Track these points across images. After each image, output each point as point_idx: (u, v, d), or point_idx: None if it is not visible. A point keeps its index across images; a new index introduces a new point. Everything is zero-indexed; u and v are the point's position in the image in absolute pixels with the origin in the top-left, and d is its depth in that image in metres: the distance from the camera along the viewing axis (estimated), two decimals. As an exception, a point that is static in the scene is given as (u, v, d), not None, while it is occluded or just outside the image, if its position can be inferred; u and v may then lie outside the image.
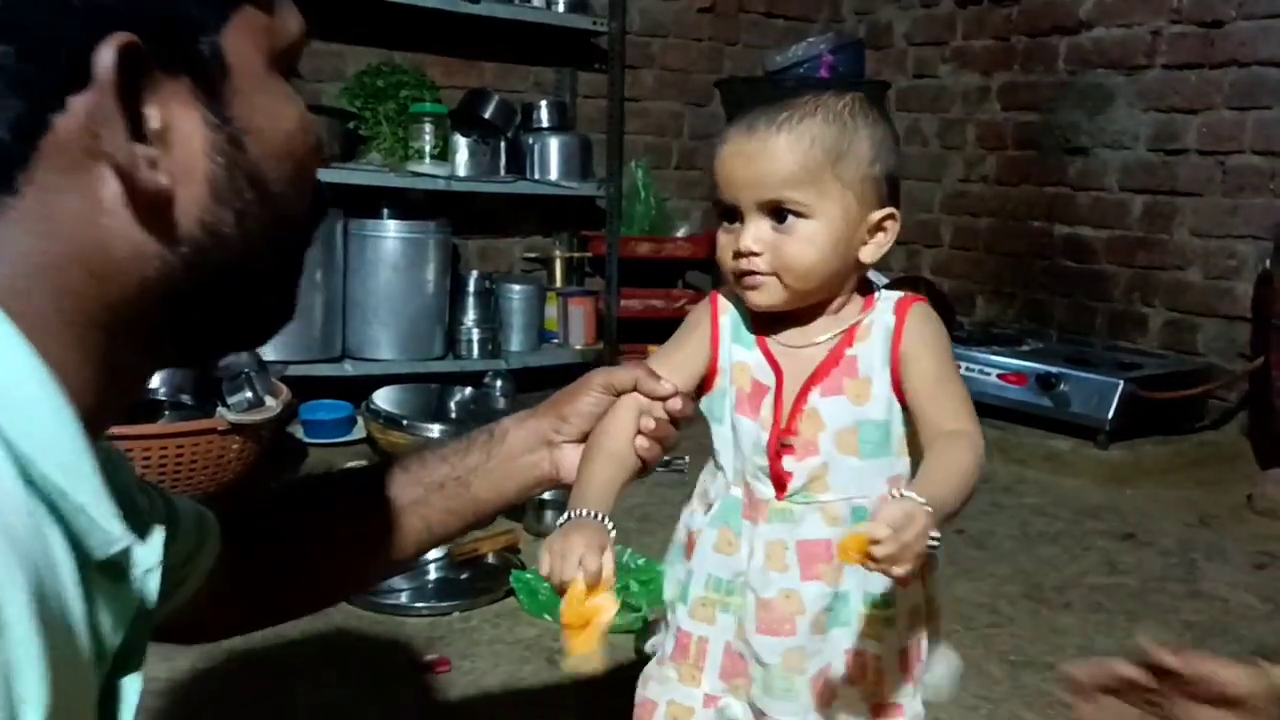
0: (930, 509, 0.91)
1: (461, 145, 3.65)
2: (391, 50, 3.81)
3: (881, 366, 1.09)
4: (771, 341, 1.12)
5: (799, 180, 1.05)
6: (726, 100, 4.58)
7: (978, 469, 1.03)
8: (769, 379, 1.11)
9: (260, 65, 0.64)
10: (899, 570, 0.89)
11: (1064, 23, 3.91)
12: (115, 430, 2.44)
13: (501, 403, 3.45)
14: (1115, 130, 3.78)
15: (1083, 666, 0.98)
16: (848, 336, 1.10)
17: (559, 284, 4.15)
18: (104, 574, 0.57)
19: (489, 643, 2.03)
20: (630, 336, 4.13)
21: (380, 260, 3.53)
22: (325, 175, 3.06)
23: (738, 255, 1.08)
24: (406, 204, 3.65)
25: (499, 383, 3.52)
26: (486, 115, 3.79)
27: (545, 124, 3.99)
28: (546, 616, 2.09)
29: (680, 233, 4.35)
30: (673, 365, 1.15)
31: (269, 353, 3.13)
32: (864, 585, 1.09)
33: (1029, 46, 4.05)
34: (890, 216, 1.09)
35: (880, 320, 1.10)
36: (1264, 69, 3.40)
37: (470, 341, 3.75)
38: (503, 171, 3.78)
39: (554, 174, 3.89)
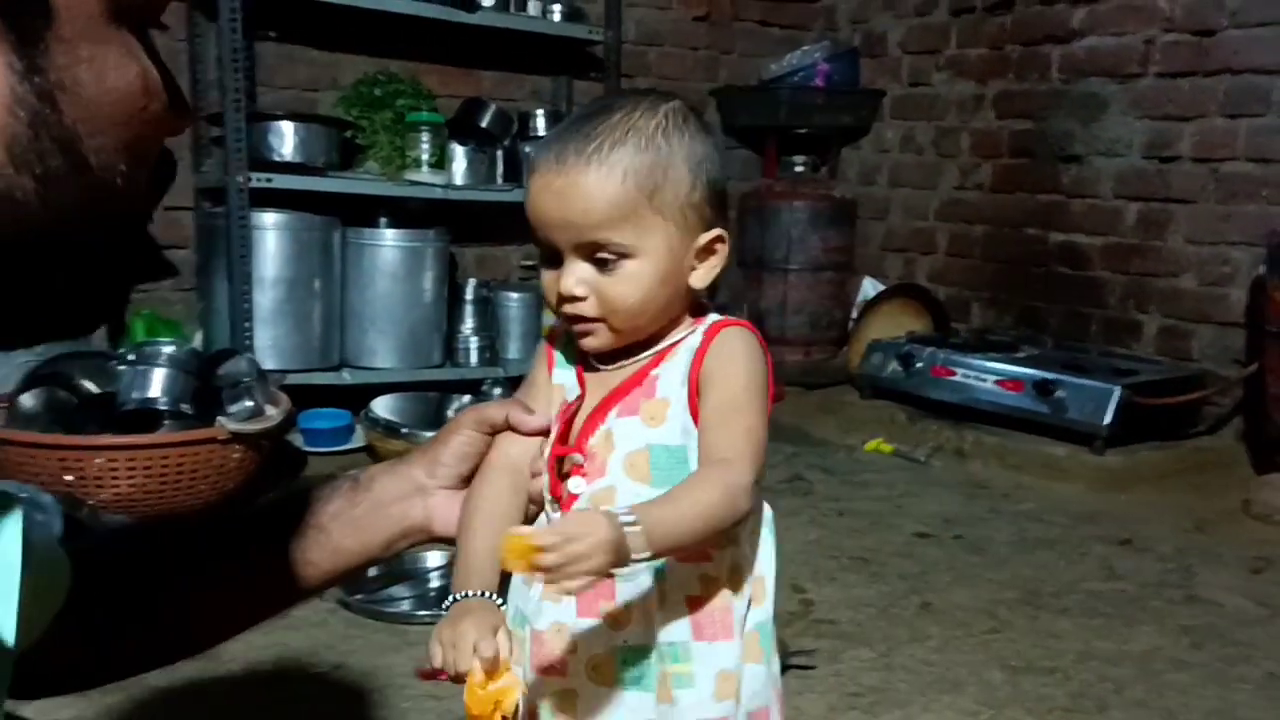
0: (635, 527, 0.83)
1: (459, 154, 3.66)
2: (388, 59, 3.82)
3: (679, 387, 1.00)
4: (589, 363, 1.05)
5: (614, 221, 0.95)
6: (723, 108, 4.61)
7: (724, 507, 0.91)
8: (570, 396, 1.04)
9: (98, 13, 0.55)
10: (567, 585, 0.81)
11: (1057, 32, 3.94)
12: (114, 440, 2.45)
13: (499, 411, 3.45)
14: (1109, 138, 3.81)
15: None
16: (657, 357, 1.02)
17: (556, 292, 4.15)
18: None
19: (491, 651, 2.03)
20: (627, 344, 4.13)
21: (378, 269, 3.53)
22: (323, 185, 3.07)
23: (561, 299, 0.99)
24: (404, 213, 3.65)
25: (497, 390, 3.52)
26: (484, 124, 3.80)
27: (542, 132, 3.99)
28: (548, 624, 2.10)
29: (677, 241, 4.35)
30: (530, 401, 1.07)
31: (266, 361, 3.14)
32: (650, 633, 0.97)
33: (1023, 55, 4.07)
34: (719, 239, 1.00)
35: (689, 340, 1.01)
36: (1256, 77, 3.42)
37: (468, 349, 3.76)
38: (500, 180, 3.79)
39: (551, 182, 3.89)
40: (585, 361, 1.05)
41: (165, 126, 0.61)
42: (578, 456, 0.99)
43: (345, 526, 0.99)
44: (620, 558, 0.82)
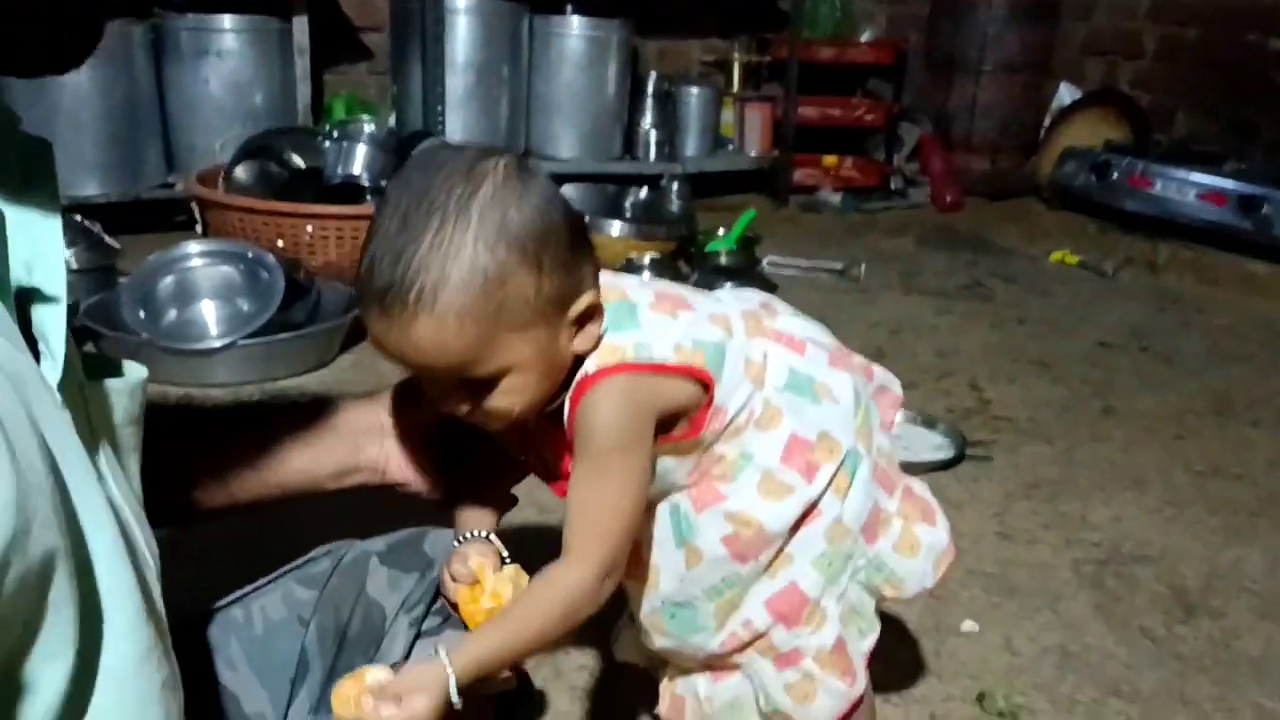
0: (453, 677, 0.82)
1: (646, -60, 3.58)
2: None
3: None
4: None
5: (467, 362, 0.84)
6: (921, -105, 4.33)
7: (559, 618, 0.88)
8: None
9: None
10: None
11: None
12: (323, 210, 2.58)
13: (677, 205, 3.48)
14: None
15: None
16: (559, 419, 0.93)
17: (736, 89, 4.09)
18: None
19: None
20: (806, 145, 4.07)
21: (564, 58, 3.54)
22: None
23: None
24: (589, 1, 3.62)
25: (675, 185, 3.54)
26: (673, -91, 3.69)
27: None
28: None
29: (864, 36, 4.19)
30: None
31: (454, 139, 3.22)
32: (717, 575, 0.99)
33: None
34: (590, 307, 0.87)
35: (563, 405, 0.91)
36: None
37: (648, 143, 3.77)
38: (687, -32, 3.71)
39: (738, -29, 3.79)
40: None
41: None
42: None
43: (297, 441, 0.94)
44: (448, 701, 0.81)
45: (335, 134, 2.84)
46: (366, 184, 2.80)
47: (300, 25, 3.25)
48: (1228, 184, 3.30)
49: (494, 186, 0.82)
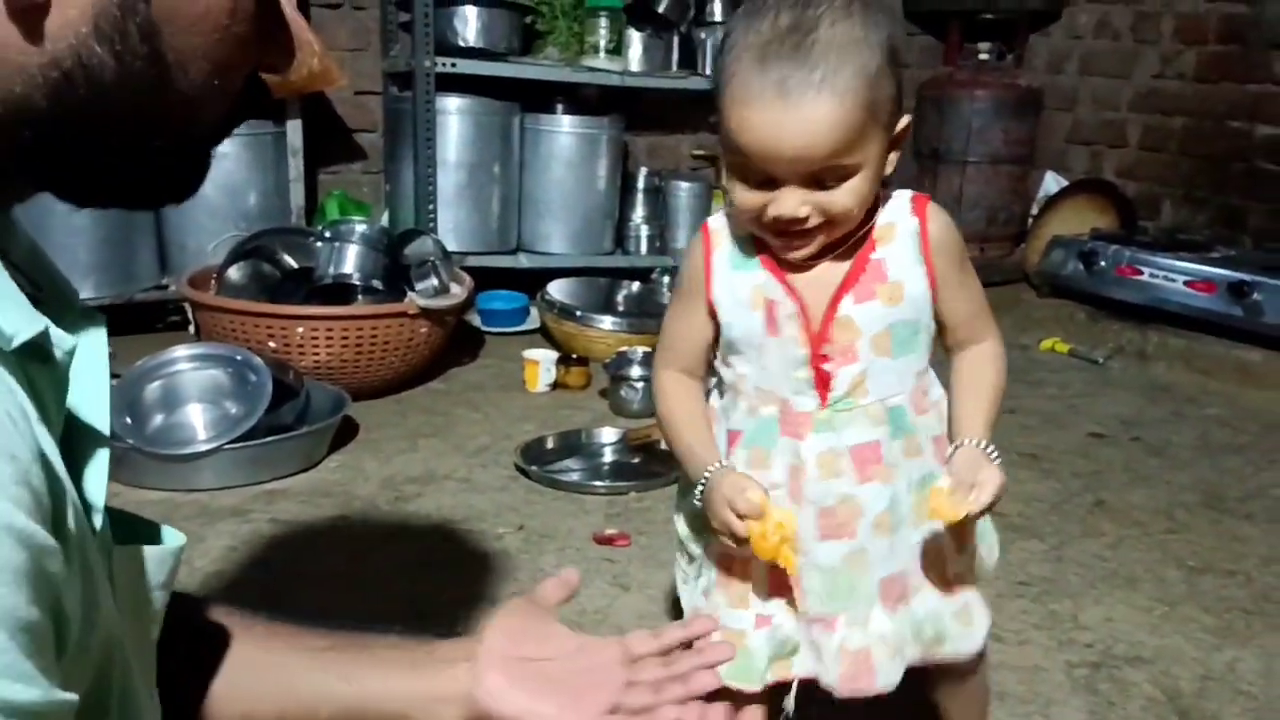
0: (990, 448, 1.08)
1: (635, 40, 3.65)
2: (567, -56, 3.82)
3: (913, 266, 1.08)
4: (779, 263, 1.09)
5: (845, 147, 0.97)
6: (905, -7, 4.44)
7: (1004, 378, 1.15)
8: (781, 295, 1.09)
9: None
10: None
11: (1280, -96, 3.63)
12: (314, 311, 2.60)
13: (668, 297, 3.50)
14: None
15: None
16: (869, 244, 1.08)
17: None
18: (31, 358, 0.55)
19: (664, 522, 2.11)
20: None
21: (554, 155, 3.59)
22: (504, 70, 3.12)
23: (778, 221, 1.02)
24: (580, 100, 3.69)
25: (666, 278, 3.56)
26: (661, 9, 3.77)
27: (718, 18, 3.94)
28: (719, 500, 2.16)
29: (851, 131, 4.26)
30: (693, 336, 1.15)
31: (447, 242, 3.25)
32: (908, 476, 1.14)
33: (1239, -69, 3.77)
34: (906, 128, 1.05)
35: (901, 222, 1.08)
36: None
37: (639, 237, 3.81)
38: (675, 67, 3.78)
39: (726, 69, 3.86)
40: (773, 263, 1.09)
41: (251, 55, 0.61)
42: (826, 347, 1.09)
43: (379, 662, 0.84)
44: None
45: (327, 234, 2.87)
46: (358, 283, 2.82)
47: (294, 128, 3.31)
48: (1216, 271, 3.31)
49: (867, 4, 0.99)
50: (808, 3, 0.97)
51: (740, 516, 1.05)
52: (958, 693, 1.28)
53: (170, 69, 0.57)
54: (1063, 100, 4.39)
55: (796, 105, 0.95)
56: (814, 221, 1.01)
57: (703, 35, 3.86)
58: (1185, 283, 3.35)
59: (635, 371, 2.70)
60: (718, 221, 1.14)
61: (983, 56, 4.28)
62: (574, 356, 2.93)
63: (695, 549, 1.23)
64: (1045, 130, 4.37)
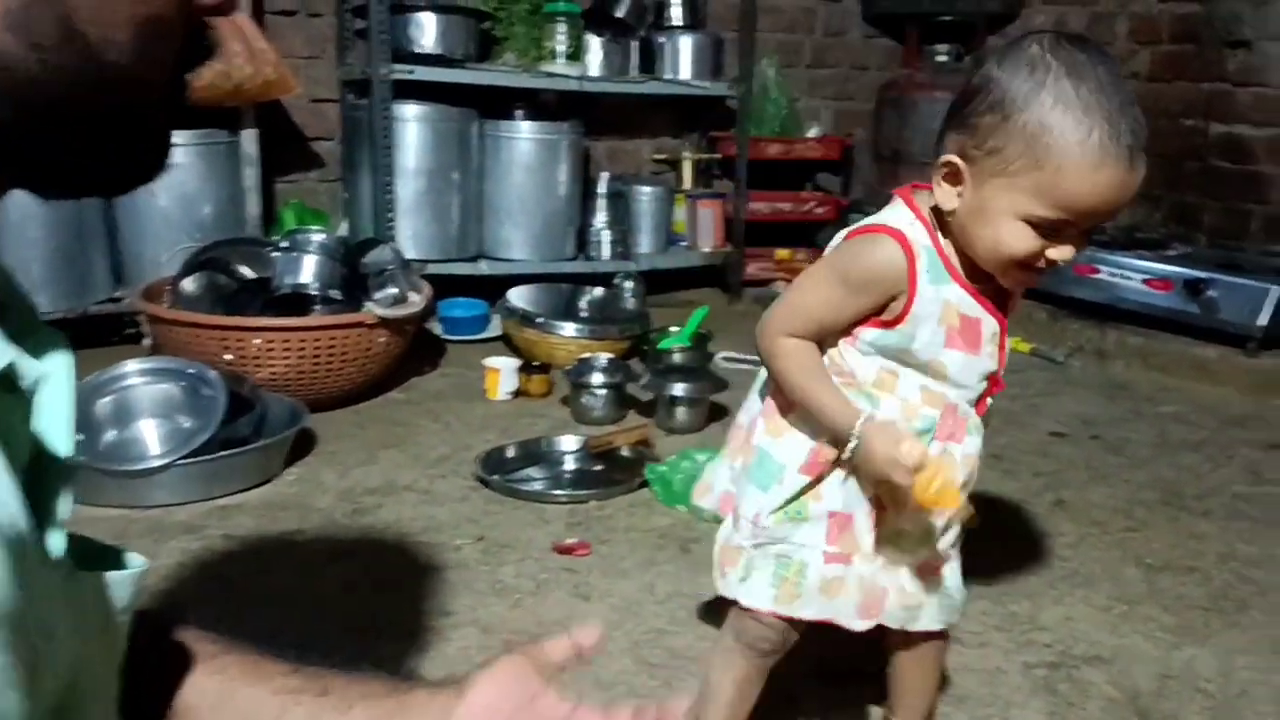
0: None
1: (594, 45, 3.64)
2: (524, -51, 3.80)
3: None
4: (969, 283, 1.17)
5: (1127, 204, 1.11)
6: (862, -5, 4.46)
7: None
8: (980, 313, 1.17)
9: None
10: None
11: (1229, -95, 3.67)
12: (270, 322, 2.57)
13: (631, 303, 3.49)
14: None
15: None
16: None
17: (688, 186, 4.14)
18: None
19: (625, 530, 2.10)
20: (759, 240, 4.11)
21: (514, 161, 3.58)
22: (462, 76, 3.11)
23: (1041, 261, 1.10)
24: (539, 105, 3.67)
25: (629, 284, 3.56)
26: (619, 14, 3.77)
27: (677, 22, 3.94)
28: (679, 507, 2.15)
29: (810, 133, 4.28)
30: (840, 319, 1.20)
31: (407, 251, 3.23)
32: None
33: (1189, -67, 3.82)
34: None
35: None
36: None
37: (601, 243, 3.79)
38: (634, 71, 3.77)
39: (685, 73, 3.86)
40: (966, 283, 1.17)
41: (182, 5, 0.58)
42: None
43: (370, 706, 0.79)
44: None
45: (284, 243, 2.84)
46: (315, 293, 2.79)
47: (249, 137, 3.28)
48: (1173, 269, 3.35)
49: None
50: (1104, 54, 1.07)
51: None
52: (923, 660, 1.39)
53: (94, 45, 0.54)
54: (1020, 101, 4.41)
55: (1139, 167, 1.04)
56: (1065, 265, 1.12)
57: (661, 40, 3.86)
58: (1143, 281, 3.38)
59: (597, 379, 2.69)
60: (913, 231, 1.16)
61: (941, 58, 4.31)
62: (535, 364, 2.92)
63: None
64: (1004, 131, 4.39)
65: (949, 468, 1.15)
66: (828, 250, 1.24)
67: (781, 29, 4.39)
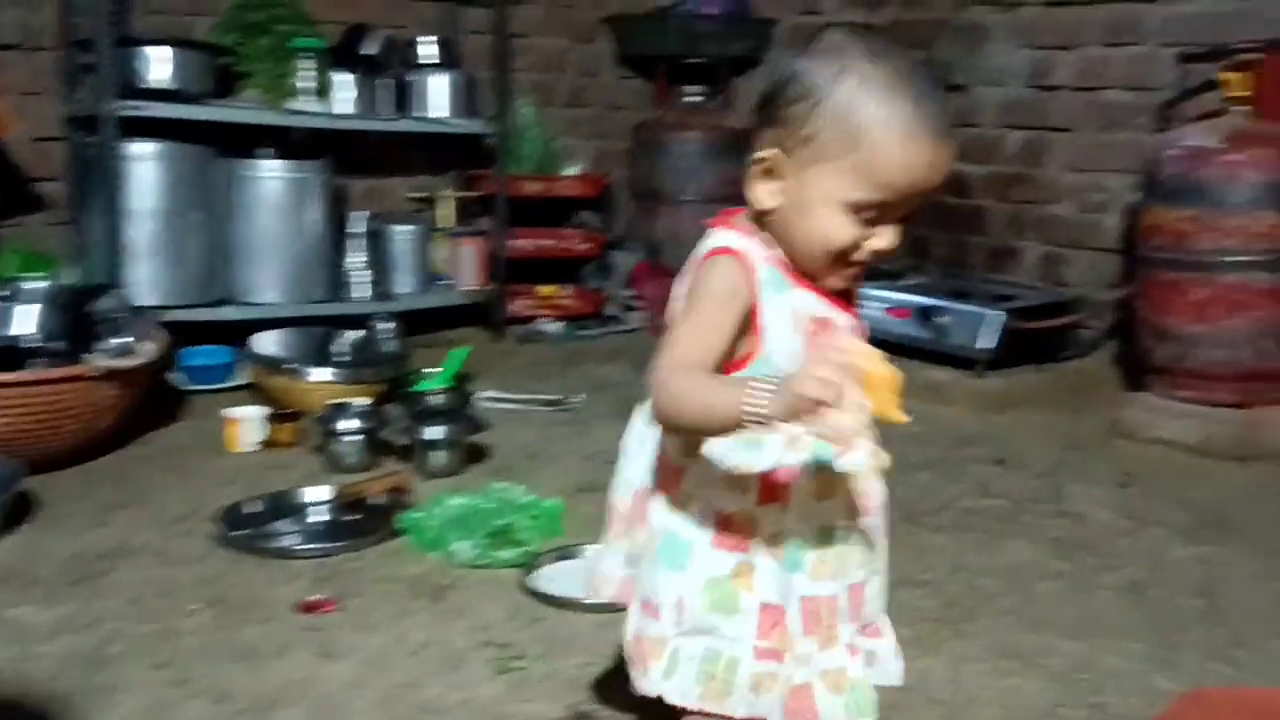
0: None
1: (342, 82, 3.57)
2: (267, -17, 3.69)
3: None
4: (813, 285, 1.13)
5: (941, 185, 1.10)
6: (614, 36, 4.56)
7: None
8: (830, 312, 1.14)
9: None
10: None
11: (944, -39, 3.97)
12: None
13: (390, 345, 3.41)
14: (992, 67, 3.87)
15: None
16: None
17: (447, 224, 4.10)
18: None
19: (376, 581, 2.03)
20: (521, 277, 4.11)
21: (261, 201, 3.44)
22: (199, 113, 3.00)
23: (861, 253, 1.09)
24: (288, 143, 3.56)
25: (386, 325, 3.47)
26: (368, 52, 3.71)
27: (429, 60, 3.91)
28: (433, 554, 2.11)
29: (569, 171, 4.32)
30: (719, 341, 1.10)
31: (145, 296, 3.05)
32: None
33: (911, -16, 4.11)
34: None
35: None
36: (1134, 5, 3.50)
37: (356, 283, 3.69)
38: (386, 109, 3.71)
39: (439, 112, 3.84)
40: (810, 285, 1.13)
41: None
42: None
43: None
44: None
45: (3, 292, 2.62)
46: (39, 344, 2.57)
47: (-42, 177, 3.02)
48: (909, 298, 3.55)
49: None
50: (901, 49, 1.08)
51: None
52: None
53: None
54: (768, 140, 4.60)
55: (946, 144, 1.05)
56: (893, 252, 1.11)
57: (414, 78, 3.82)
58: (885, 310, 3.57)
59: (349, 425, 2.60)
60: (742, 244, 1.12)
61: (691, 99, 4.45)
62: (285, 412, 2.80)
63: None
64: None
65: (890, 376, 1.03)
66: (679, 294, 1.15)
67: (536, 69, 4.42)
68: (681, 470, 1.17)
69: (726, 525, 1.15)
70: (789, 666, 1.16)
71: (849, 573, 1.18)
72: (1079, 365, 3.59)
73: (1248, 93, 2.94)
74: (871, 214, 1.07)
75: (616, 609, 1.93)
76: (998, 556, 2.25)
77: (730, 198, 4.20)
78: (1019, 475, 2.74)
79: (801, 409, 0.96)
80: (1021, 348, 3.38)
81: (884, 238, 1.09)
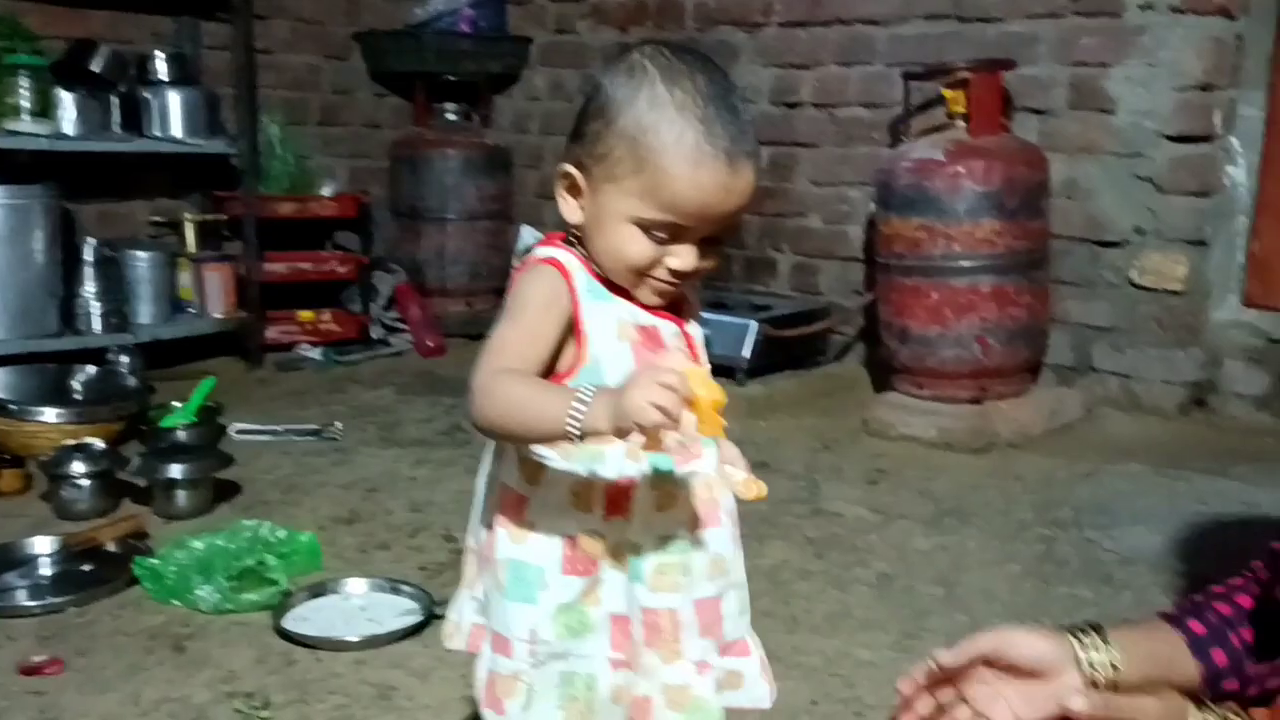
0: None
1: (66, 101, 3.33)
2: (-22, -5, 3.41)
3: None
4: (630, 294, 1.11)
5: (744, 209, 1.08)
6: (366, 53, 4.46)
7: None
8: (654, 321, 1.12)
9: None
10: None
11: (691, -19, 4.09)
12: None
13: (130, 380, 3.20)
14: (740, 85, 3.99)
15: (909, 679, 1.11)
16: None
17: (192, 249, 3.89)
18: None
19: (109, 636, 1.89)
20: (278, 302, 3.95)
21: (-22, 229, 3.17)
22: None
23: (672, 273, 1.07)
24: (8, 166, 3.29)
25: (126, 358, 3.26)
26: (95, 68, 3.47)
27: (165, 77, 3.70)
28: (174, 602, 1.98)
29: (325, 191, 4.18)
30: (540, 347, 1.08)
31: None
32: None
33: (660, 4, 4.19)
34: None
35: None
36: (865, 27, 3.70)
37: (90, 314, 3.44)
38: (117, 129, 3.49)
39: (177, 131, 3.63)
40: (629, 296, 1.11)
41: None
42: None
43: None
44: None
45: None
46: None
47: None
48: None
49: None
50: (710, 64, 1.08)
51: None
52: None
53: None
54: (529, 158, 4.61)
55: (741, 171, 1.04)
56: (704, 273, 1.10)
57: (147, 95, 3.60)
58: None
59: (79, 467, 2.41)
60: (561, 255, 1.10)
61: (450, 117, 4.40)
62: (5, 457, 2.57)
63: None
64: (518, 186, 4.57)
65: (716, 392, 0.99)
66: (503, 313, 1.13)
67: (285, 86, 4.27)
68: (524, 499, 1.12)
69: (574, 547, 1.11)
70: (636, 677, 1.14)
71: (695, 585, 1.14)
72: (832, 369, 3.76)
73: (964, 109, 3.15)
74: (663, 234, 1.06)
75: (375, 644, 1.88)
76: (759, 559, 2.30)
77: (493, 214, 4.21)
78: (778, 478, 2.82)
79: (628, 430, 0.95)
80: (778, 355, 3.50)
81: (681, 258, 1.07)
